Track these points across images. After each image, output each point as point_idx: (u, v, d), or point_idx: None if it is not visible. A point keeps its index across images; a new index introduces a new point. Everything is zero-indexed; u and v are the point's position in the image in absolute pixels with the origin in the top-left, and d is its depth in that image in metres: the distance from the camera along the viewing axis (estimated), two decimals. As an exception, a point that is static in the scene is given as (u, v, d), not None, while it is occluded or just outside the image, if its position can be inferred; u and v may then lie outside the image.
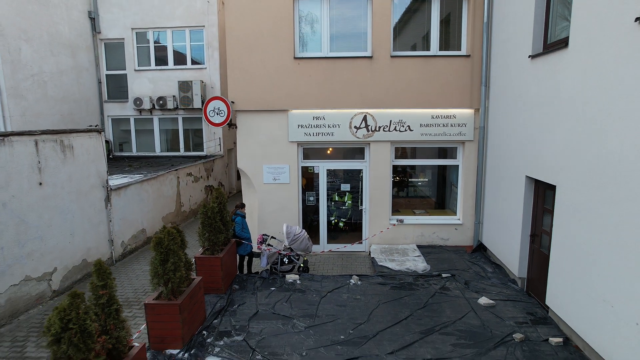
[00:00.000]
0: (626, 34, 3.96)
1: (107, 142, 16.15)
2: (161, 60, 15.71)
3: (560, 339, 4.99)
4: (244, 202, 8.42)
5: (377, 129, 8.37)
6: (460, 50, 8.29)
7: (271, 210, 8.71)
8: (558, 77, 5.30)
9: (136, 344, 3.90)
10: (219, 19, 15.25)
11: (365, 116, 8.35)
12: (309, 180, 8.96)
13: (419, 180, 9.41)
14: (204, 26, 15.23)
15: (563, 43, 5.21)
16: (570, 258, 5.04)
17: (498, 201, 7.47)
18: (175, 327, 4.86)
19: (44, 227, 6.86)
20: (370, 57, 8.20)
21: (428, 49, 8.34)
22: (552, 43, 5.69)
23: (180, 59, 15.66)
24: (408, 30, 8.59)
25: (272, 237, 7.92)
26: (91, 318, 3.29)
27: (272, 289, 6.72)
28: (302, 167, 8.75)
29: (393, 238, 8.75)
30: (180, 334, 4.89)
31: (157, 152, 16.29)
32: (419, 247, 8.61)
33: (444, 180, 9.37)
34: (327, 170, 8.82)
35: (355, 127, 8.40)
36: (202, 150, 16.15)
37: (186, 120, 15.99)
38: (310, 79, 8.28)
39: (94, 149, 8.27)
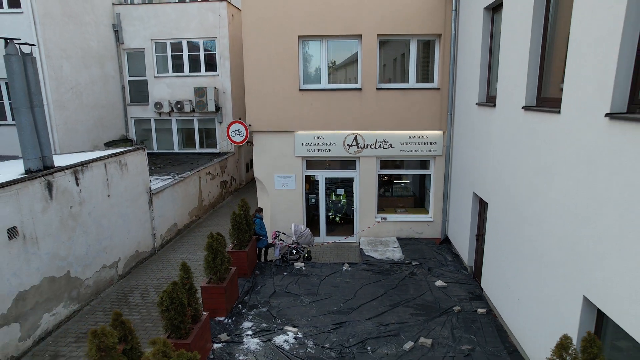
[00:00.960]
0: (518, 107, 6.05)
1: (130, 140, 18.25)
2: (178, 67, 17.63)
3: (485, 310, 7.29)
4: (260, 206, 10.62)
5: (365, 147, 10.50)
6: (432, 83, 10.33)
7: (281, 210, 10.93)
8: (490, 126, 7.41)
9: (204, 313, 6.17)
10: (229, 31, 17.08)
11: (356, 136, 10.46)
12: (311, 185, 11.15)
13: (401, 181, 11.59)
14: (215, 37, 17.07)
15: (493, 102, 7.30)
16: (493, 254, 7.28)
17: (457, 206, 9.67)
18: (221, 302, 7.14)
19: (112, 228, 9.08)
20: (360, 89, 10.25)
21: (407, 81, 10.38)
22: (490, 97, 7.77)
23: (195, 66, 17.57)
24: (391, 67, 10.60)
25: (283, 233, 10.17)
26: (184, 296, 5.54)
27: (285, 273, 9.00)
28: (305, 175, 10.92)
29: (378, 232, 11.02)
30: (224, 307, 7.18)
31: (176, 149, 18.40)
32: (398, 239, 10.88)
33: (421, 184, 11.54)
34: (326, 178, 11.00)
35: (348, 145, 10.52)
36: (215, 148, 18.24)
37: (201, 121, 18.04)
38: (312, 106, 10.35)
39: (140, 163, 10.41)
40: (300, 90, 10.30)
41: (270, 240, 10.00)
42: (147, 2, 18.23)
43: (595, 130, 4.09)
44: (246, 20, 10.09)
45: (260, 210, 9.90)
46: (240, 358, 6.14)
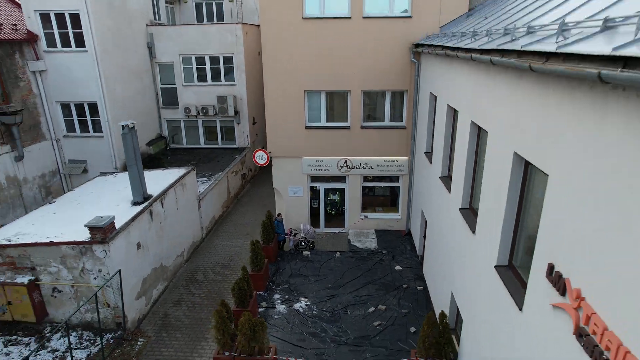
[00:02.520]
0: (437, 175, 10.17)
1: (163, 137, 22.21)
2: (202, 77, 21.22)
3: (422, 287, 11.86)
4: (279, 212, 14.94)
5: (353, 167, 14.64)
6: (401, 122, 14.29)
7: (293, 210, 15.27)
8: (430, 170, 11.54)
9: (258, 292, 10.70)
10: (244, 47, 20.49)
11: (346, 160, 14.58)
12: (314, 192, 15.41)
13: (379, 188, 15.83)
14: (233, 53, 20.53)
15: (430, 158, 11.38)
16: (429, 251, 11.71)
17: (415, 211, 14.00)
18: (261, 282, 11.68)
19: (180, 229, 13.48)
20: (349, 127, 14.23)
21: (383, 120, 14.33)
22: (427, 152, 11.83)
23: (216, 76, 21.15)
24: (372, 107, 14.49)
25: (295, 230, 14.60)
26: (244, 284, 10.02)
27: (297, 260, 13.52)
28: (310, 187, 15.16)
29: (362, 226, 15.44)
30: (263, 285, 11.74)
31: (201, 144, 22.40)
32: (376, 231, 15.33)
33: (393, 191, 15.77)
34: (325, 188, 15.25)
35: (340, 166, 14.66)
36: (234, 143, 22.23)
37: (222, 122, 21.88)
38: (314, 139, 14.37)
39: (192, 180, 14.62)
40: (306, 127, 14.28)
41: (285, 236, 14.42)
42: (174, 24, 21.48)
43: (455, 214, 8.34)
44: (267, 75, 13.85)
45: (279, 214, 14.26)
46: (275, 317, 10.75)
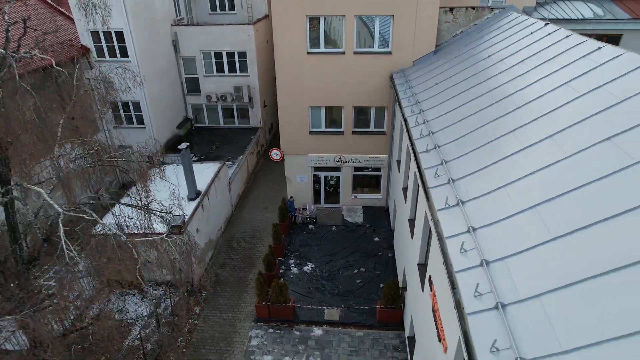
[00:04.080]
0: (400, 188, 14.91)
1: (189, 119, 26.43)
2: (220, 68, 24.95)
3: (392, 255, 17.09)
4: (291, 195, 19.75)
5: (346, 162, 19.25)
6: (383, 128, 18.64)
7: (300, 194, 20.12)
8: (397, 176, 16.19)
9: (279, 259, 15.92)
10: (255, 45, 24.01)
11: (340, 156, 19.13)
12: (316, 179, 20.15)
13: (367, 174, 20.53)
14: (246, 50, 24.13)
15: (399, 164, 15.99)
16: (396, 228, 16.75)
17: (391, 195, 18.83)
18: (280, 252, 16.92)
19: (218, 209, 18.46)
20: (343, 133, 18.63)
21: (369, 127, 18.68)
22: (398, 160, 16.40)
23: (232, 68, 24.87)
24: (360, 118, 18.75)
25: (303, 209, 19.58)
26: (272, 256, 15.19)
27: (304, 232, 18.67)
28: (313, 175, 19.87)
29: (353, 203, 20.39)
30: (281, 253, 16.99)
31: (221, 124, 26.69)
32: (363, 207, 20.30)
33: (377, 178, 20.46)
34: (324, 176, 19.97)
35: (336, 160, 19.25)
36: (248, 123, 26.51)
37: (238, 107, 25.99)
38: (316, 140, 18.81)
39: (224, 171, 19.30)
40: (310, 132, 18.68)
41: (296, 214, 19.42)
42: (192, 22, 24.72)
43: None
44: (280, 95, 17.94)
45: (291, 197, 19.17)
46: (290, 276, 16.08)
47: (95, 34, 20.22)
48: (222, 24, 24.02)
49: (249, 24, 23.54)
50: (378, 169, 19.74)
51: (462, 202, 7.45)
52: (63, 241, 8.78)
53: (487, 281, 5.68)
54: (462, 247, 6.47)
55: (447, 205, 7.65)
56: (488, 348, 4.83)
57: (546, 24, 12.52)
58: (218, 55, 24.44)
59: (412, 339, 12.10)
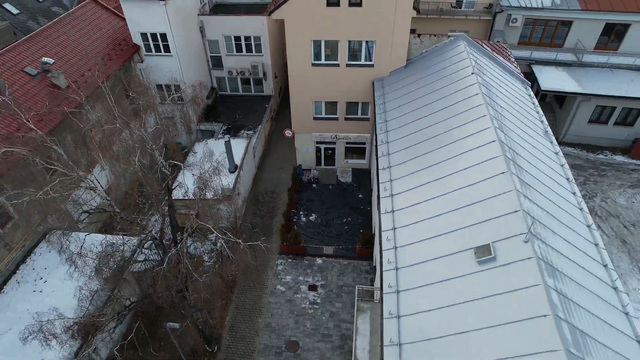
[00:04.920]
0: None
1: (214, 88, 32.47)
2: (239, 49, 30.42)
3: (369, 209, 24.81)
4: (299, 162, 26.87)
5: (339, 138, 26.10)
6: (367, 115, 25.20)
7: (306, 160, 27.25)
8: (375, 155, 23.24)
9: (292, 211, 23.67)
10: (268, 31, 29.26)
11: (336, 135, 25.94)
12: (318, 149, 27.14)
13: (357, 145, 27.44)
14: (260, 35, 29.45)
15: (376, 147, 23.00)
16: (373, 189, 24.26)
17: (372, 162, 25.99)
18: (293, 205, 24.63)
19: (248, 172, 25.79)
20: (337, 118, 25.22)
21: (357, 115, 25.22)
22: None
23: (249, 48, 30.35)
24: (351, 109, 25.17)
25: (308, 170, 26.90)
26: (288, 212, 22.91)
27: (309, 190, 26.23)
28: (315, 147, 26.84)
29: (345, 167, 27.66)
30: (294, 207, 24.73)
31: (240, 92, 32.80)
32: (352, 170, 27.59)
33: (362, 149, 27.39)
34: (324, 147, 26.95)
35: (332, 137, 26.08)
36: (262, 92, 32.63)
37: (254, 80, 31.90)
38: (318, 123, 25.47)
39: (251, 143, 26.22)
40: (314, 118, 25.28)
41: (303, 176, 26.76)
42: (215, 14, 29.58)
43: (376, 195, 20.77)
44: (292, 92, 24.18)
45: (300, 165, 26.39)
46: (300, 224, 23.97)
47: (144, 35, 25.68)
48: (241, 15, 28.95)
49: (263, 15, 28.55)
50: (363, 143, 26.68)
51: (394, 211, 14.84)
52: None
53: (393, 254, 13.31)
54: (388, 238, 14.02)
55: (386, 211, 15.05)
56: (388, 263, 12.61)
57: (472, 73, 18.61)
58: (237, 38, 29.75)
59: (375, 267, 20.25)
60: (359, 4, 20.37)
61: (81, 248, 15.06)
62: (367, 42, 21.87)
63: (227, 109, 31.37)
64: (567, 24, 29.76)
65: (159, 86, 28.04)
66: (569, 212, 14.30)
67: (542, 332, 9.61)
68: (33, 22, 29.04)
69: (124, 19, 25.93)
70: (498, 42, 26.27)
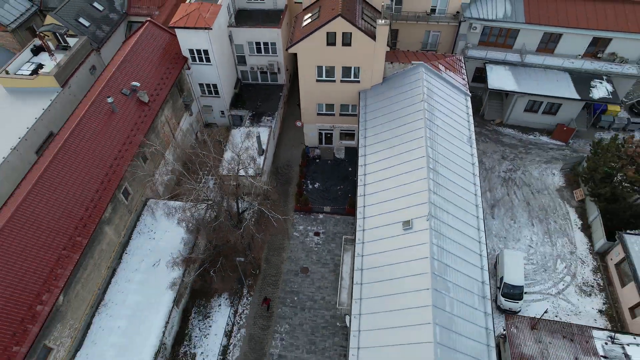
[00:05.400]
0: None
1: (239, 79, 41.64)
2: (259, 50, 39.21)
3: (356, 179, 35.62)
4: (306, 143, 37.02)
5: (336, 127, 36.04)
6: (356, 112, 34.93)
7: (311, 142, 37.41)
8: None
9: (302, 180, 34.49)
10: (282, 40, 37.90)
11: (333, 125, 35.85)
12: (320, 134, 37.17)
13: (348, 131, 37.38)
14: (276, 42, 38.13)
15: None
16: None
17: (360, 142, 36.20)
18: (303, 176, 35.35)
19: (270, 153, 36.17)
20: (334, 114, 35.01)
21: (348, 112, 34.97)
22: (362, 137, 33.45)
23: (266, 50, 39.15)
24: (344, 108, 34.83)
25: (312, 149, 37.22)
26: (299, 179, 33.70)
27: (314, 164, 36.76)
28: (318, 132, 36.87)
29: (340, 146, 37.86)
30: (304, 177, 35.45)
31: (259, 81, 42.02)
32: (345, 148, 37.83)
33: (354, 133, 37.33)
34: (325, 132, 36.99)
35: (330, 126, 36.03)
36: (277, 81, 41.84)
37: (270, 73, 40.96)
38: (321, 117, 35.31)
39: (270, 130, 36.27)
40: (317, 114, 35.07)
41: (310, 153, 37.08)
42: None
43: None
44: (303, 96, 33.72)
45: (307, 146, 36.63)
46: (309, 190, 34.81)
47: (191, 50, 34.63)
48: (260, 26, 37.37)
49: (278, 27, 36.98)
50: (353, 130, 36.69)
51: (365, 195, 25.57)
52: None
53: (362, 222, 24.30)
54: (359, 212, 24.93)
55: (360, 194, 25.80)
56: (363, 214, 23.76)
57: (421, 100, 28.21)
58: (257, 43, 38.39)
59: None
60: (349, 44, 29.41)
61: (169, 210, 26.17)
62: (354, 67, 31.09)
63: (250, 97, 40.76)
64: (515, 31, 38.19)
65: (200, 84, 37.40)
66: (465, 197, 25.00)
67: (423, 264, 20.83)
68: (100, 31, 37.41)
69: (173, 35, 34.55)
70: (455, 55, 35.18)
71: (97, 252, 25.13)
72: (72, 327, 23.33)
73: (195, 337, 27.38)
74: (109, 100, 27.89)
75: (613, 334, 23.24)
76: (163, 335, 24.46)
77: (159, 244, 27.96)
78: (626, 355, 21.76)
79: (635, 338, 22.99)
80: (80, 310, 23.96)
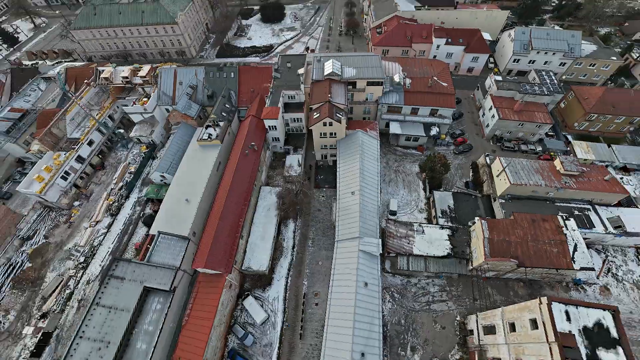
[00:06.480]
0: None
1: (286, 132, 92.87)
2: (293, 121, 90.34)
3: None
4: (316, 158, 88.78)
5: (328, 152, 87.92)
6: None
7: (318, 157, 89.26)
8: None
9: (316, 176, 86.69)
10: (304, 115, 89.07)
11: (329, 152, 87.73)
12: (322, 154, 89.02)
13: (333, 153, 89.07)
14: (302, 118, 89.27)
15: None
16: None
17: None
18: (317, 173, 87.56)
19: (302, 166, 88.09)
20: (328, 147, 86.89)
21: (334, 147, 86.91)
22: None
23: (298, 121, 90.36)
24: (333, 145, 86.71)
25: (319, 161, 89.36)
26: (315, 174, 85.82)
27: (319, 168, 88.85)
28: (321, 154, 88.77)
29: (330, 159, 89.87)
30: (317, 173, 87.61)
31: (294, 132, 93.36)
32: (333, 160, 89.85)
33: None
34: (323, 154, 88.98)
35: (327, 152, 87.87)
36: (302, 130, 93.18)
37: (299, 129, 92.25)
38: (322, 149, 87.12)
39: (299, 156, 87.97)
40: (320, 148, 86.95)
41: (318, 162, 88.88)
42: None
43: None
44: (315, 138, 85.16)
45: (317, 160, 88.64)
46: (320, 178, 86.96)
47: (269, 126, 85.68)
48: (295, 112, 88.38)
49: (302, 112, 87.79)
50: (335, 153, 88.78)
51: (339, 179, 78.27)
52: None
53: (338, 191, 77.00)
54: (338, 188, 77.69)
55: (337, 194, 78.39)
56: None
57: (360, 144, 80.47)
58: (293, 119, 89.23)
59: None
60: (332, 125, 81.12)
61: (270, 188, 78.63)
62: (334, 132, 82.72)
63: (292, 140, 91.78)
64: (400, 107, 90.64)
65: (273, 138, 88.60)
66: (374, 180, 77.94)
67: (358, 201, 74.02)
68: (229, 115, 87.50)
69: (261, 120, 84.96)
70: (375, 122, 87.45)
71: (249, 213, 77.51)
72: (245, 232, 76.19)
73: (281, 234, 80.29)
74: (246, 151, 79.29)
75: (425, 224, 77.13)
76: (275, 232, 77.37)
77: (266, 202, 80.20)
78: (409, 236, 75.68)
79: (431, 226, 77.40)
80: (247, 226, 76.56)
